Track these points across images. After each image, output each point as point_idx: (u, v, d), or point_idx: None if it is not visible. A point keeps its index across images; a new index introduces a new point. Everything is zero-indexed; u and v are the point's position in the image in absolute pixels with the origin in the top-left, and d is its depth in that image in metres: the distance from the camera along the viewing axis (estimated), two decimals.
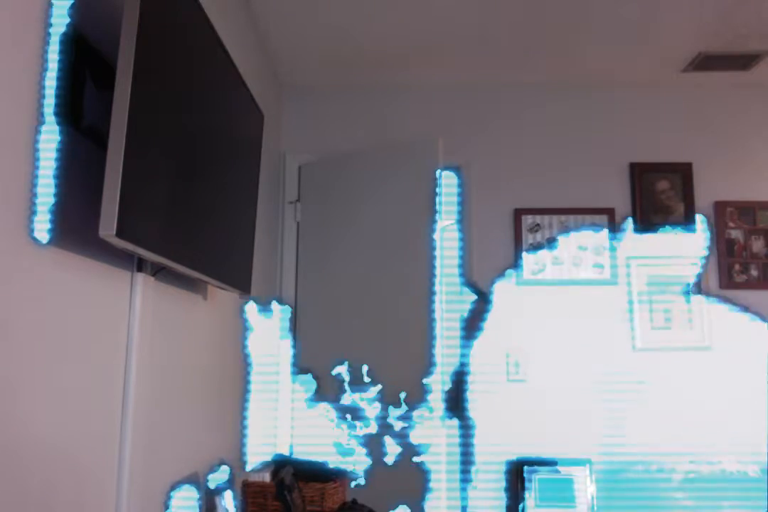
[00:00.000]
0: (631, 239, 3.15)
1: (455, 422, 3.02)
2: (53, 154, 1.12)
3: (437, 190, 2.79)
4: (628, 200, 3.22)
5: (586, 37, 2.84)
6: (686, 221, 3.18)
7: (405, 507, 2.60)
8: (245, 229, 2.03)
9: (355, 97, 3.32)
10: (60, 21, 1.15)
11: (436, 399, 2.66)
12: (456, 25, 2.74)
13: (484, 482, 2.98)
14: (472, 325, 3.10)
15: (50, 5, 1.13)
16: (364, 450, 2.77)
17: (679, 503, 2.96)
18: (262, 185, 2.52)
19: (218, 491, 1.93)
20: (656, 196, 3.21)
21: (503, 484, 2.97)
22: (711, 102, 3.30)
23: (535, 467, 2.88)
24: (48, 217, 1.10)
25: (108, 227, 1.08)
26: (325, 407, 2.92)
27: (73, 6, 1.18)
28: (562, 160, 3.25)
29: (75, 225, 1.19)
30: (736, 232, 3.17)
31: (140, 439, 1.47)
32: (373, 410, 2.79)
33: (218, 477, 2.05)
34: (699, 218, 3.18)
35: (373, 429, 2.77)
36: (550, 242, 3.16)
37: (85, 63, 1.24)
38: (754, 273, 3.13)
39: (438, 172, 2.80)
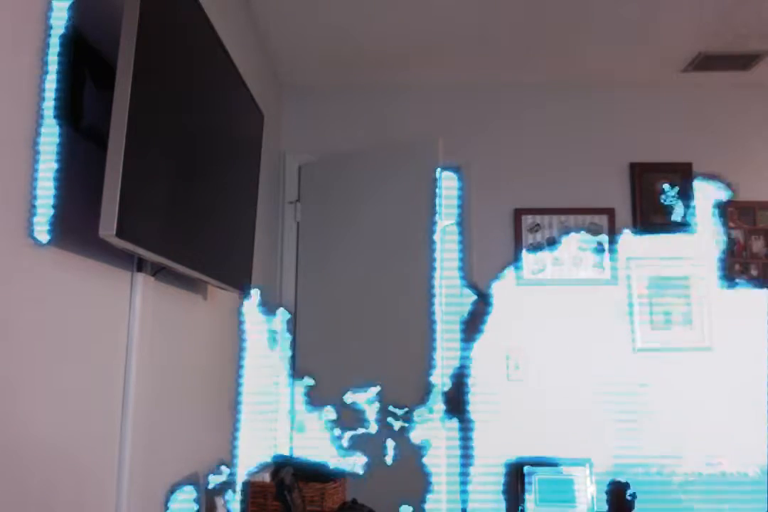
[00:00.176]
0: (636, 242, 3.15)
1: (455, 422, 3.02)
2: (53, 154, 1.11)
3: (437, 190, 2.79)
4: (628, 200, 3.22)
5: (586, 37, 2.84)
6: (686, 221, 3.18)
7: (408, 507, 2.60)
8: (245, 229, 2.03)
9: (355, 97, 3.32)
10: (60, 21, 1.15)
11: (436, 399, 2.66)
12: (456, 25, 2.74)
13: (484, 482, 2.98)
14: (472, 326, 3.10)
15: (50, 5, 1.13)
16: (364, 450, 2.77)
17: (679, 504, 2.95)
18: (262, 185, 2.52)
19: (218, 491, 1.93)
20: (656, 196, 3.21)
21: (503, 484, 2.97)
22: (711, 102, 3.30)
23: (535, 467, 2.88)
24: (48, 217, 1.10)
25: (108, 227, 1.08)
26: (324, 407, 2.92)
27: (72, 6, 1.18)
28: (562, 160, 3.25)
29: (75, 225, 1.19)
30: (736, 232, 3.17)
31: (140, 439, 1.47)
32: (373, 410, 2.79)
33: (218, 477, 2.05)
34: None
35: (373, 429, 2.77)
36: (550, 242, 3.16)
37: (85, 63, 1.24)
38: (754, 273, 3.13)
39: (438, 172, 2.80)
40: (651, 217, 3.20)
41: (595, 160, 3.25)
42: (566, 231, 3.17)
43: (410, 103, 3.30)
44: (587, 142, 3.27)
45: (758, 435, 2.99)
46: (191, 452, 1.88)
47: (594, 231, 3.17)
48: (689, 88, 3.30)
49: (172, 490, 1.69)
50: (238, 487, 2.17)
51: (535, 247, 3.15)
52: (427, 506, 2.60)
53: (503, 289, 3.14)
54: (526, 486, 2.86)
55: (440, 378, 2.68)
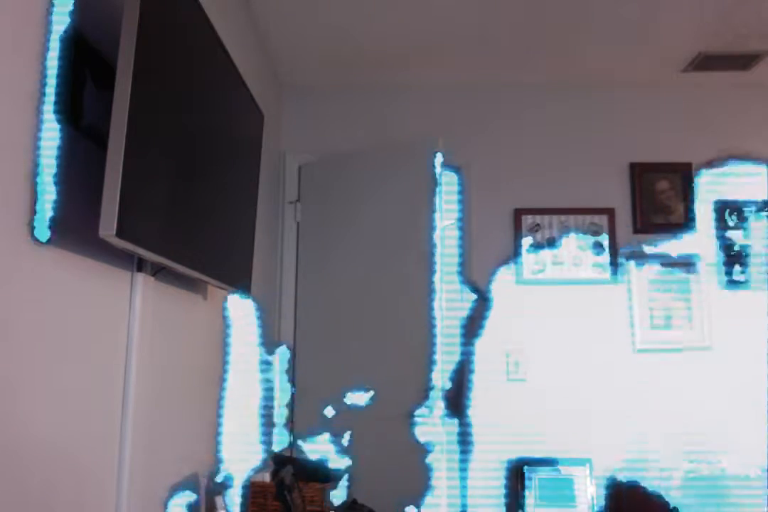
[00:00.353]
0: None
1: (455, 422, 3.02)
2: (53, 154, 1.11)
3: (437, 190, 2.79)
4: (628, 200, 3.22)
5: (586, 37, 2.84)
6: (686, 221, 3.18)
7: (408, 507, 2.60)
8: (245, 229, 2.03)
9: (355, 97, 3.32)
10: (60, 21, 1.15)
11: (436, 399, 2.66)
12: (456, 25, 2.74)
13: (484, 482, 2.98)
14: (472, 326, 3.10)
15: (51, 5, 1.13)
16: (363, 450, 2.76)
17: (679, 503, 2.95)
18: (262, 185, 2.52)
19: (218, 491, 1.93)
20: (656, 196, 3.21)
21: (503, 485, 2.97)
22: (711, 102, 3.30)
23: (536, 467, 2.88)
24: (48, 217, 1.10)
25: (108, 227, 1.08)
26: (324, 407, 2.92)
27: (73, 6, 1.18)
28: (562, 160, 3.25)
29: (75, 225, 1.19)
30: (736, 232, 3.17)
31: (140, 439, 1.47)
32: (373, 410, 2.79)
33: (218, 477, 2.05)
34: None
35: (373, 428, 2.77)
36: (550, 242, 3.16)
37: (85, 63, 1.24)
38: (753, 272, 3.13)
39: (438, 172, 2.80)
40: (651, 217, 3.20)
41: (595, 160, 3.25)
42: (566, 231, 3.17)
43: (410, 103, 3.30)
44: (587, 142, 3.27)
45: (758, 435, 2.99)
46: (191, 452, 1.88)
47: (594, 231, 3.17)
48: (689, 88, 3.30)
49: (172, 490, 1.69)
50: (238, 487, 2.17)
51: (535, 247, 3.15)
52: (427, 506, 2.60)
53: (503, 289, 3.14)
54: (526, 486, 2.86)
55: (440, 378, 2.68)
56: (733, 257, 3.15)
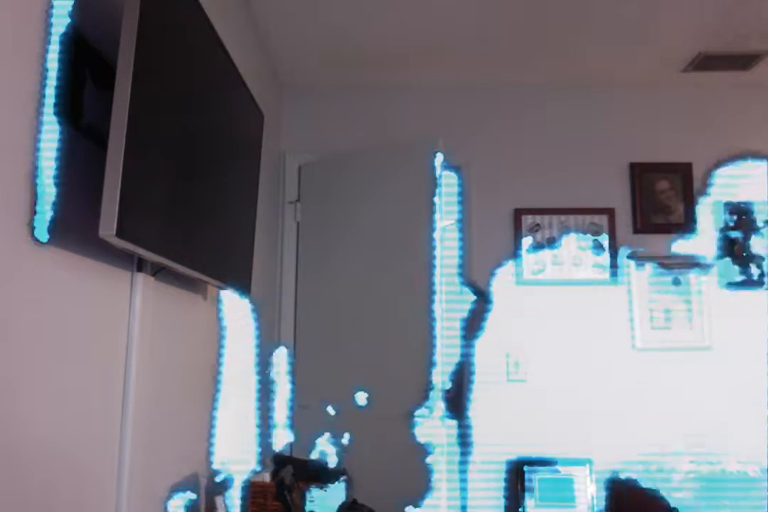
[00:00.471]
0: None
1: (455, 422, 3.02)
2: (53, 154, 1.11)
3: (437, 190, 2.78)
4: (628, 200, 3.22)
5: (586, 37, 2.84)
6: (686, 221, 3.18)
7: (408, 507, 2.60)
8: (245, 229, 2.03)
9: (355, 97, 3.32)
10: (60, 21, 1.15)
11: (436, 399, 2.66)
12: (456, 25, 2.74)
13: (484, 482, 2.98)
14: (472, 325, 3.10)
15: (50, 5, 1.13)
16: (363, 450, 2.76)
17: (679, 503, 2.95)
18: (262, 185, 2.52)
19: (218, 491, 1.93)
20: (656, 196, 3.21)
21: (503, 484, 2.97)
22: (711, 102, 3.30)
23: (536, 467, 2.88)
24: (48, 217, 1.10)
25: (108, 227, 1.08)
26: (324, 406, 2.92)
27: (73, 6, 1.18)
28: (562, 160, 3.25)
29: (75, 225, 1.19)
30: (736, 232, 3.17)
31: (140, 439, 1.47)
32: (373, 410, 2.79)
33: (218, 477, 2.05)
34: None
35: (373, 428, 2.77)
36: (550, 242, 3.16)
37: (85, 63, 1.24)
38: (753, 273, 3.13)
39: (438, 172, 2.80)
40: (651, 217, 3.20)
41: (595, 160, 3.25)
42: (566, 231, 3.17)
43: (410, 103, 3.30)
44: (587, 142, 3.27)
45: (758, 434, 2.99)
46: (191, 452, 1.88)
47: (594, 231, 3.17)
48: (689, 88, 3.30)
49: (172, 490, 1.69)
50: (238, 487, 2.17)
51: (535, 247, 3.15)
52: (427, 506, 2.60)
53: (503, 289, 3.14)
54: (526, 486, 2.86)
55: (440, 378, 2.68)
56: (733, 257, 3.15)
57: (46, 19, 1.12)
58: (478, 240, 3.17)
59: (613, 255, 3.14)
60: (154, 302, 1.57)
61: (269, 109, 2.97)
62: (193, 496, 1.81)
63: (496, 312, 3.12)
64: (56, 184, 1.12)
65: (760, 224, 3.16)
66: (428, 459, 2.64)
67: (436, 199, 2.78)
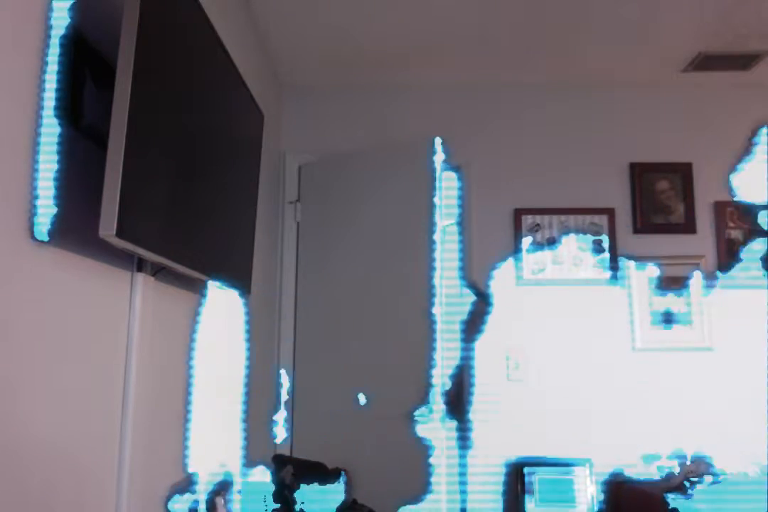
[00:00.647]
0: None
1: (455, 422, 3.02)
2: (53, 154, 1.11)
3: (437, 190, 2.78)
4: (628, 200, 3.22)
5: (586, 37, 2.84)
6: (686, 221, 3.18)
7: (408, 507, 2.60)
8: (245, 229, 2.03)
9: (355, 97, 3.32)
10: (60, 21, 1.15)
11: (436, 399, 2.66)
12: (456, 25, 2.74)
13: (484, 482, 2.98)
14: (472, 326, 3.10)
15: (50, 5, 1.13)
16: (363, 450, 2.76)
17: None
18: (262, 185, 2.52)
19: (218, 491, 1.92)
20: (656, 196, 3.21)
21: (503, 485, 2.97)
22: (711, 102, 3.30)
23: (536, 467, 2.88)
24: (48, 216, 1.10)
25: (108, 227, 1.08)
26: (324, 406, 2.92)
27: (73, 6, 1.18)
28: (562, 160, 3.25)
29: (75, 225, 1.19)
30: (736, 232, 3.17)
31: (140, 439, 1.47)
32: (373, 410, 2.79)
33: (218, 477, 2.05)
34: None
35: (373, 428, 2.77)
36: (550, 242, 3.16)
37: (85, 63, 1.24)
38: (753, 273, 3.13)
39: (438, 172, 2.80)
40: (651, 217, 3.20)
41: (595, 160, 3.25)
42: (566, 231, 3.16)
43: (410, 103, 3.30)
44: (587, 142, 3.27)
45: (758, 435, 2.99)
46: (191, 452, 1.87)
47: (594, 231, 3.17)
48: (689, 88, 3.30)
49: (172, 490, 1.69)
50: (238, 487, 2.17)
51: (535, 247, 3.15)
52: (427, 506, 2.60)
53: (503, 289, 3.14)
54: (526, 486, 2.86)
55: (440, 378, 2.68)
56: (733, 257, 3.15)
57: (46, 20, 1.12)
58: (478, 240, 3.17)
59: (613, 255, 3.14)
60: (154, 302, 1.56)
61: (269, 109, 2.97)
62: (193, 496, 1.81)
63: (496, 313, 3.12)
64: (56, 184, 1.12)
65: (760, 224, 3.16)
66: (428, 459, 2.64)
67: (436, 199, 2.78)
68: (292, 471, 2.04)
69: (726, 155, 3.24)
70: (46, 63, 1.11)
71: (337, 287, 3.02)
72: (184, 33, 1.41)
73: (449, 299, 3.00)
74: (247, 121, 2.01)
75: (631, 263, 3.14)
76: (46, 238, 1.10)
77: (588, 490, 2.84)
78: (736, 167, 3.23)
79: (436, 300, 2.70)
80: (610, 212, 3.19)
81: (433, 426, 2.66)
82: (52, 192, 1.11)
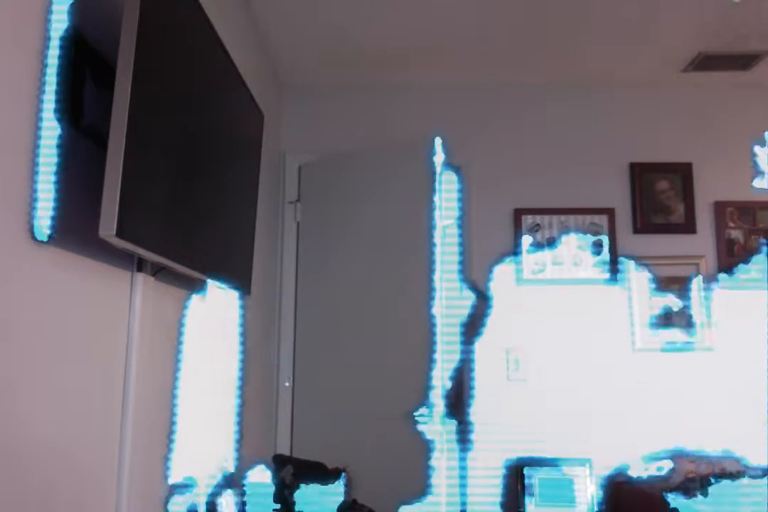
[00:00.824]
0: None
1: (455, 422, 3.02)
2: (53, 154, 1.11)
3: (437, 190, 2.78)
4: (628, 200, 3.22)
5: (586, 37, 2.84)
6: (686, 221, 3.18)
7: (408, 507, 2.60)
8: (245, 229, 2.03)
9: (355, 97, 3.32)
10: (60, 21, 1.15)
11: (437, 399, 2.66)
12: (456, 25, 2.74)
13: (484, 482, 2.98)
14: (472, 326, 3.10)
15: (50, 5, 1.13)
16: (363, 450, 2.76)
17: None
18: (262, 185, 2.52)
19: (218, 491, 1.92)
20: (656, 196, 3.21)
21: (503, 485, 2.97)
22: (711, 102, 3.30)
23: (536, 467, 2.88)
24: (48, 217, 1.10)
25: (108, 227, 1.08)
26: (324, 407, 2.92)
27: (72, 6, 1.18)
28: (562, 160, 3.25)
29: (75, 225, 1.19)
30: (736, 232, 3.17)
31: (140, 439, 1.47)
32: (372, 410, 2.79)
33: (218, 477, 2.05)
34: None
35: (373, 428, 2.77)
36: (550, 242, 3.16)
37: (85, 63, 1.24)
38: (753, 273, 3.13)
39: (438, 172, 2.80)
40: (651, 217, 3.20)
41: (595, 160, 3.25)
42: (566, 231, 3.16)
43: (410, 103, 3.30)
44: (587, 142, 3.27)
45: (758, 435, 2.99)
46: (191, 452, 1.87)
47: (594, 231, 3.17)
48: (689, 88, 3.30)
49: (172, 490, 1.69)
50: (238, 487, 2.17)
51: (535, 247, 3.15)
52: (427, 506, 2.60)
53: (503, 289, 3.14)
54: (526, 487, 2.86)
55: (440, 378, 2.68)
56: (733, 257, 3.15)
57: (46, 20, 1.12)
58: (478, 240, 3.17)
59: (613, 255, 3.14)
60: (154, 302, 1.56)
61: (269, 109, 2.97)
62: (193, 496, 1.81)
63: (496, 312, 3.12)
64: (56, 184, 1.12)
65: (760, 225, 3.16)
66: (428, 459, 2.64)
67: (436, 199, 2.78)
68: (292, 471, 2.04)
69: (726, 155, 3.24)
70: (46, 63, 1.11)
71: (337, 287, 3.02)
72: (184, 33, 1.41)
73: (449, 299, 2.99)
74: (247, 121, 2.01)
75: (631, 263, 3.14)
76: (46, 238, 1.10)
77: (588, 490, 2.84)
78: (736, 167, 3.23)
79: (436, 300, 2.70)
80: (610, 212, 3.19)
81: (433, 426, 2.66)
82: (52, 192, 1.11)
